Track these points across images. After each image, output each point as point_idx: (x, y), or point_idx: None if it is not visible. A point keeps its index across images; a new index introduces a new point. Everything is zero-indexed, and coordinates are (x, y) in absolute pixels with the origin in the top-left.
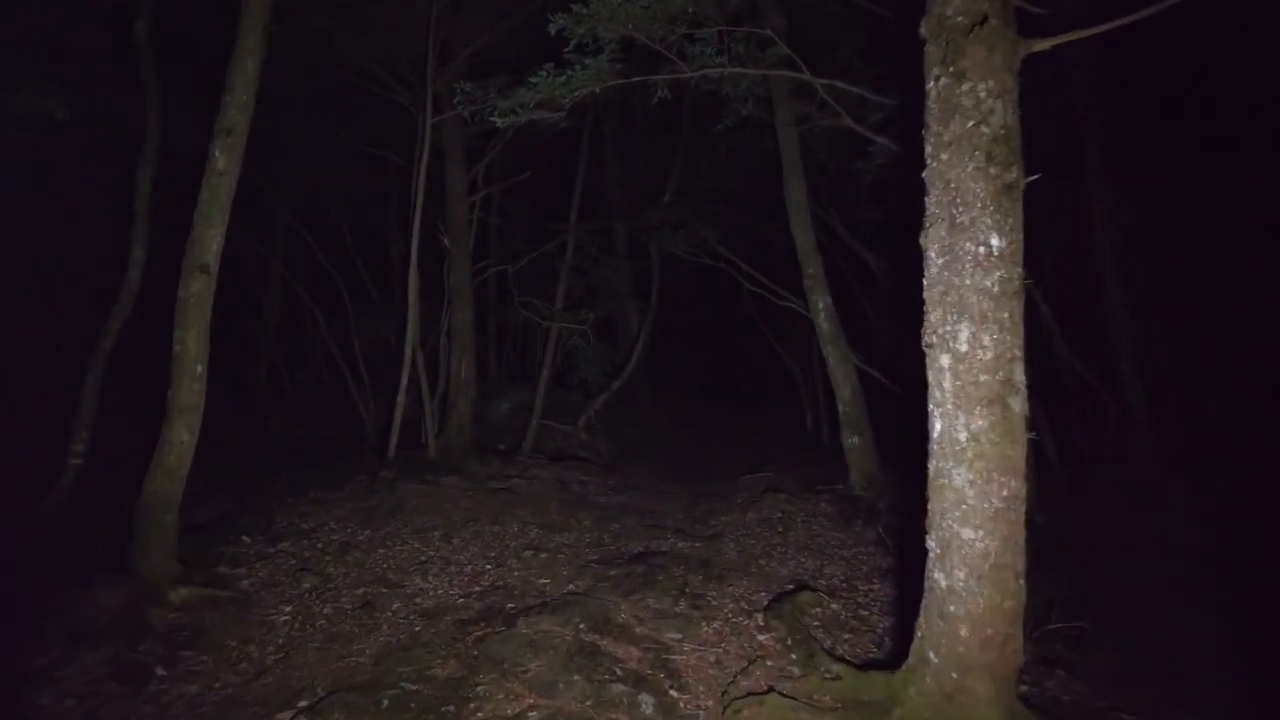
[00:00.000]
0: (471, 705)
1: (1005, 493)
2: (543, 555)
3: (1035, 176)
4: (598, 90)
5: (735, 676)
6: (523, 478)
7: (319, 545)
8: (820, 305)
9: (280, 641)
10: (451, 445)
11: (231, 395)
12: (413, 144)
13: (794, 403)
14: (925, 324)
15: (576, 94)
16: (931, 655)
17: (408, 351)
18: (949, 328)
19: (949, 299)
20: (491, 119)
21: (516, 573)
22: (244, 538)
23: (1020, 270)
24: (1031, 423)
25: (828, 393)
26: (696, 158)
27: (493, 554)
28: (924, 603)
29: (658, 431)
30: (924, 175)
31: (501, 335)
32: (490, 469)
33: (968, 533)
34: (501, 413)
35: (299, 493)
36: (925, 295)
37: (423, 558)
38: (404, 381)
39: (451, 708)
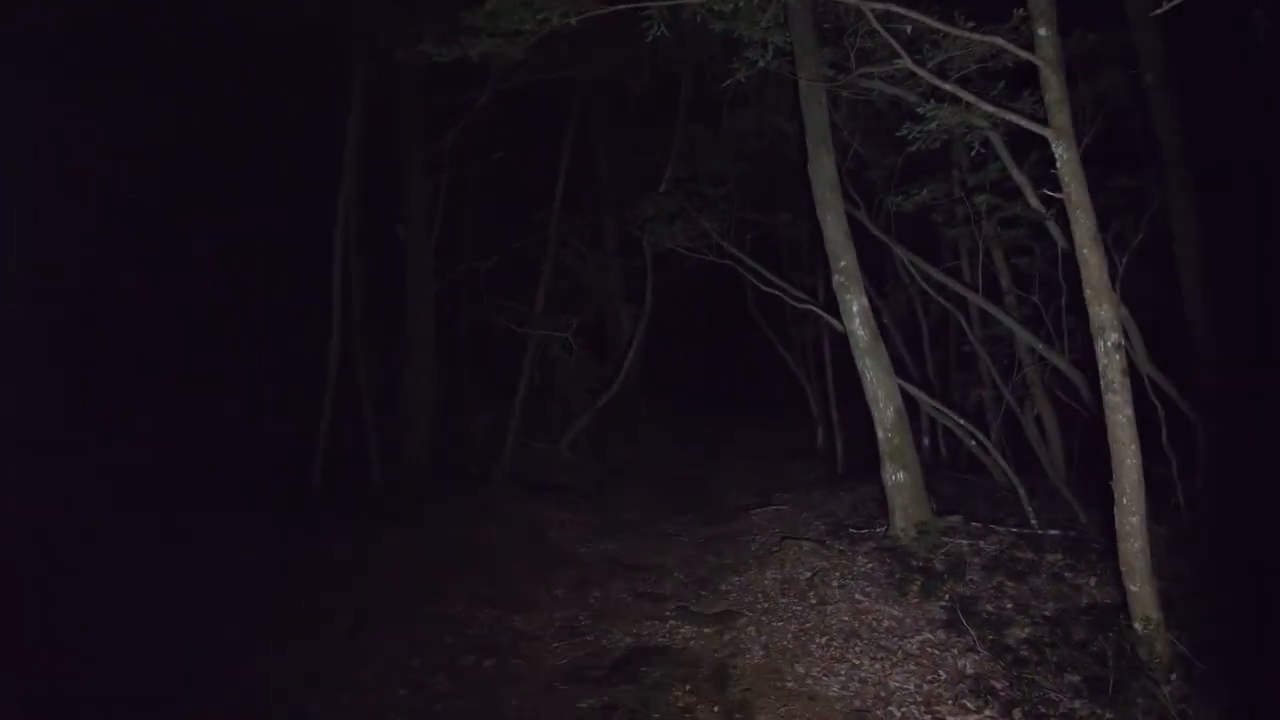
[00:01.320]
0: None
1: None
2: (488, 663)
3: None
4: (573, 21)
5: None
6: (488, 520)
7: (164, 664)
8: (855, 307)
9: None
10: (408, 476)
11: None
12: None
13: (797, 407)
14: None
15: (542, 24)
16: None
17: (332, 368)
18: None
19: None
20: (422, 48)
21: (439, 705)
22: None
23: None
24: None
25: (840, 406)
26: (696, 140)
27: (416, 661)
28: None
29: (650, 444)
30: None
31: (479, 340)
32: (448, 507)
33: None
34: (476, 430)
35: (185, 559)
36: None
37: (308, 672)
38: (327, 410)
39: None
